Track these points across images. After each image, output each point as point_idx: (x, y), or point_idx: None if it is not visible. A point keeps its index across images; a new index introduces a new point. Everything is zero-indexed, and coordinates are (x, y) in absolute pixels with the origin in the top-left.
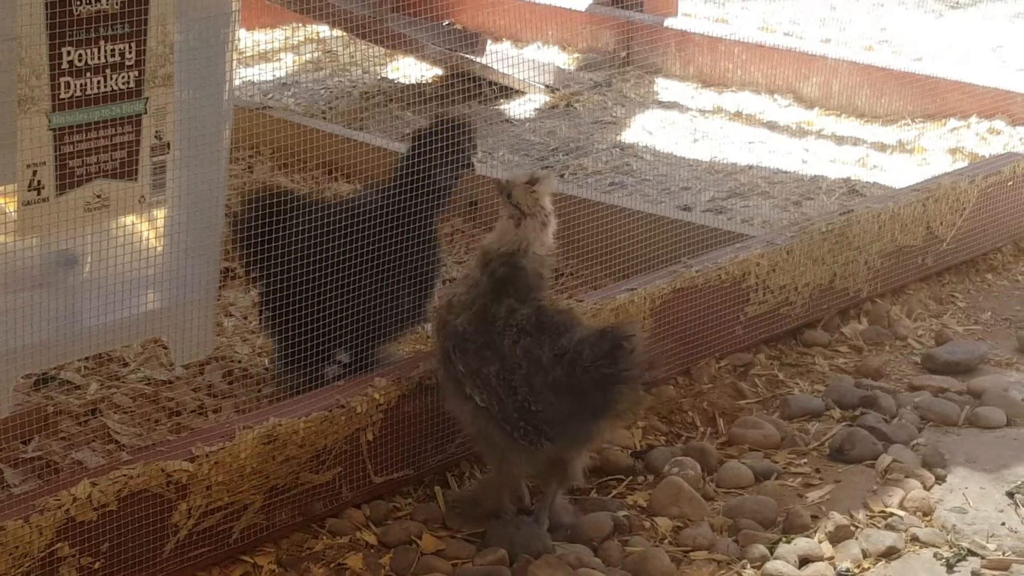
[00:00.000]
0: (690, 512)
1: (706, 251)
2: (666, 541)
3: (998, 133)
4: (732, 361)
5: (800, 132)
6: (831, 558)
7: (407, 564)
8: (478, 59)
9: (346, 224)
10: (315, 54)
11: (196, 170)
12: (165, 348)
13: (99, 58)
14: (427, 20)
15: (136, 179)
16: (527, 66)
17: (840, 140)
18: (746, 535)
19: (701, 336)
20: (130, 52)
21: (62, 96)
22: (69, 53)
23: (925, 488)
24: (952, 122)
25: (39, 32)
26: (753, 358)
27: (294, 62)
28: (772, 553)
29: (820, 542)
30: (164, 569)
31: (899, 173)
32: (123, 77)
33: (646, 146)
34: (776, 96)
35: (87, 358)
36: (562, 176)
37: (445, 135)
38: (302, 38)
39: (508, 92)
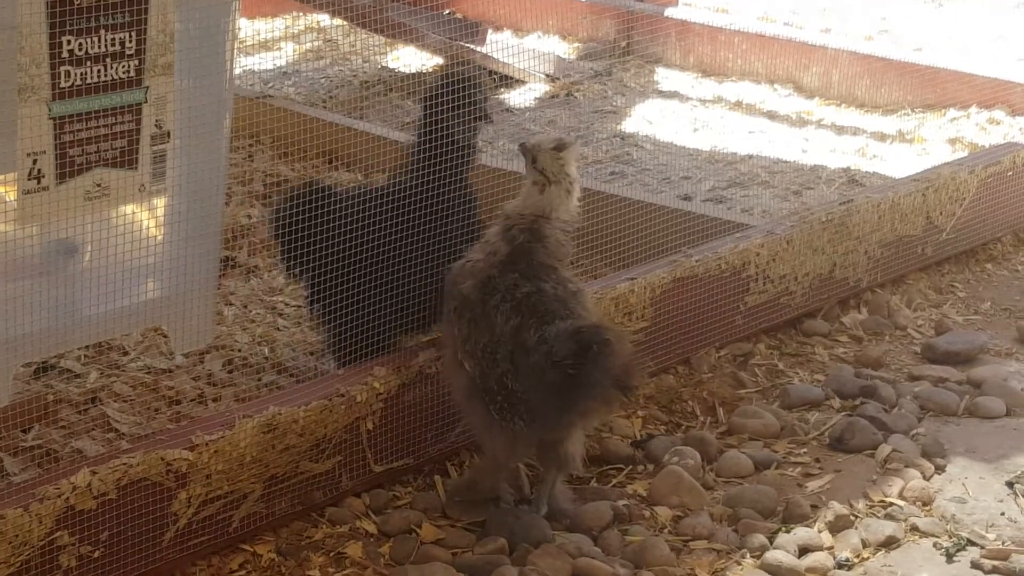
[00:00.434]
0: (690, 501)
1: (706, 241)
2: (666, 530)
3: (998, 123)
4: (732, 350)
5: (800, 122)
6: (831, 548)
7: (407, 553)
8: (479, 48)
9: (388, 209)
10: (316, 43)
11: (196, 159)
12: (165, 337)
13: (99, 47)
14: (428, 9)
15: (136, 168)
16: (528, 55)
17: (840, 130)
18: (746, 525)
19: (701, 325)
20: (130, 41)
21: (62, 85)
22: (69, 42)
23: (925, 478)
24: (952, 112)
25: (39, 21)
26: (753, 348)
27: (295, 51)
28: (772, 543)
29: (820, 532)
30: (164, 558)
31: (899, 163)
32: (123, 66)
33: (646, 136)
34: (776, 86)
35: (87, 347)
36: None
37: (454, 91)
38: (303, 27)
39: (509, 81)
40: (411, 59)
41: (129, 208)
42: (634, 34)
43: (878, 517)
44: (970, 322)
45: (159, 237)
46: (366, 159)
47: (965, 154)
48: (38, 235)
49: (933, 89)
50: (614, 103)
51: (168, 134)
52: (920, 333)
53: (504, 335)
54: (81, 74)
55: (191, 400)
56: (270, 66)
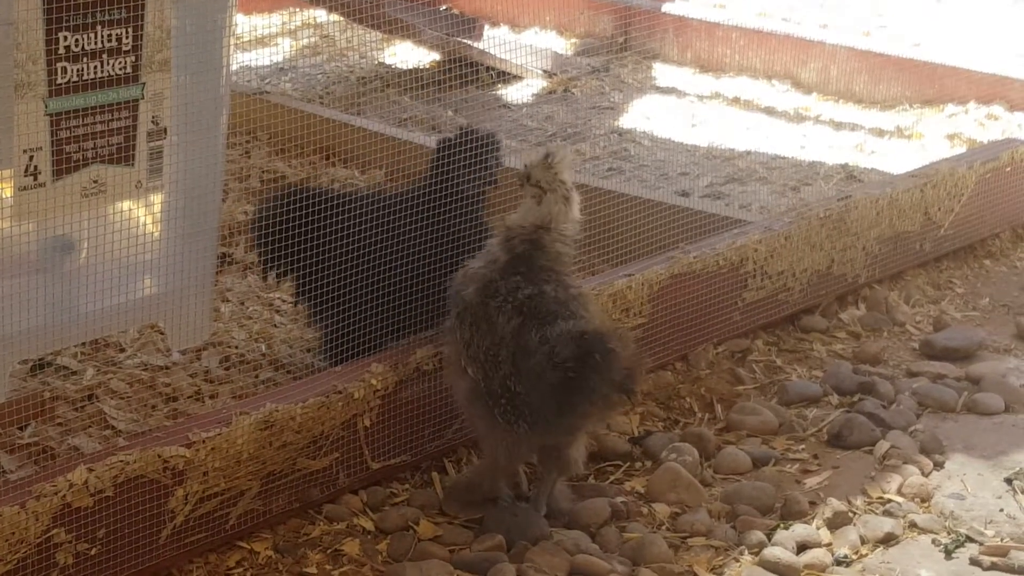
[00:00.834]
0: (688, 498)
1: (704, 237)
2: (664, 527)
3: (996, 119)
4: (730, 347)
5: (798, 118)
6: (829, 544)
7: (404, 550)
8: (476, 44)
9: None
10: (312, 39)
11: (193, 155)
12: (162, 334)
13: (96, 43)
14: (424, 5)
15: (133, 164)
16: (525, 51)
17: (838, 126)
18: (744, 521)
19: (699, 322)
20: (127, 37)
21: (59, 81)
22: (66, 38)
23: (923, 474)
24: (950, 108)
25: (36, 17)
26: (751, 344)
27: (291, 47)
28: (770, 539)
29: (818, 528)
30: (161, 555)
31: (897, 159)
32: (120, 62)
33: (644, 131)
34: (774, 81)
35: (84, 344)
36: None
37: (469, 149)
38: (299, 23)
39: (506, 77)
40: (408, 55)
41: (126, 204)
42: (632, 30)
43: (876, 514)
44: (968, 318)
45: (156, 234)
46: (363, 155)
47: (963, 150)
48: (35, 232)
49: (931, 85)
50: (611, 99)
51: (165, 130)
52: (918, 329)
53: (506, 336)
54: (78, 70)
55: (188, 397)
56: (267, 62)
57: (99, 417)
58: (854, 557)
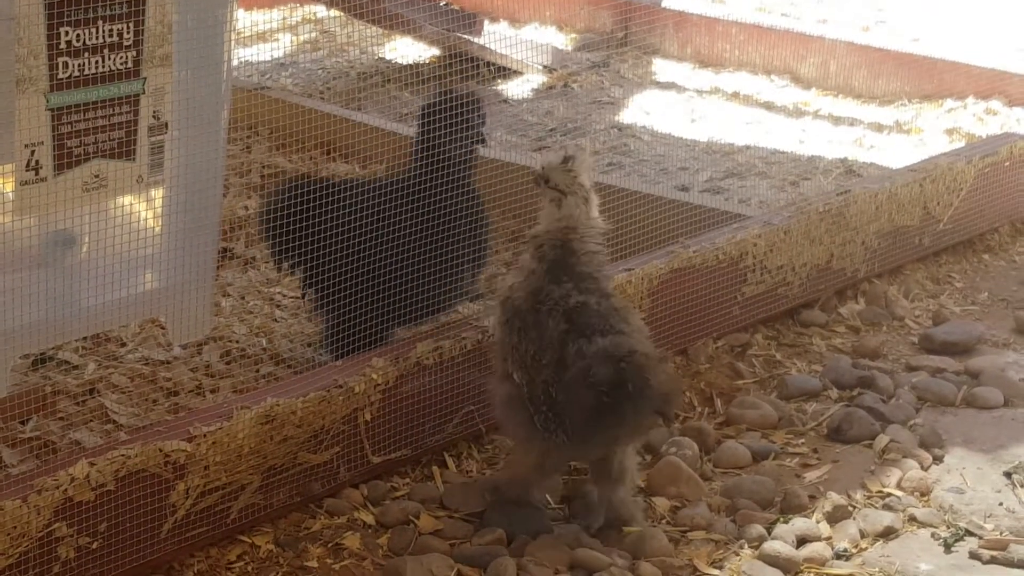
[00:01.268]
0: (688, 492)
1: (703, 231)
2: (664, 521)
3: (995, 113)
4: (729, 341)
5: (797, 112)
6: (829, 538)
7: (405, 544)
8: (475, 39)
9: (387, 206)
10: (313, 34)
11: (194, 150)
12: (163, 328)
13: (97, 38)
14: (424, 1)
15: (134, 159)
16: (524, 46)
17: (837, 120)
18: (744, 515)
19: (698, 316)
20: (128, 32)
21: (60, 76)
22: (67, 33)
23: (923, 468)
24: (949, 103)
25: (37, 12)
26: (750, 338)
27: (292, 42)
28: (770, 533)
29: (818, 522)
30: (162, 549)
31: (896, 153)
32: (121, 57)
33: (644, 126)
34: (773, 76)
35: (85, 338)
36: None
37: (451, 112)
38: (300, 18)
39: (505, 72)
40: (408, 50)
41: (127, 199)
42: (631, 25)
43: (876, 507)
44: (967, 312)
45: (157, 228)
46: (363, 150)
47: (962, 144)
48: (36, 226)
49: (930, 79)
50: (611, 94)
51: (166, 125)
52: (918, 323)
53: (553, 341)
54: (79, 65)
55: (189, 391)
56: (267, 57)
57: (100, 411)
58: (854, 551)
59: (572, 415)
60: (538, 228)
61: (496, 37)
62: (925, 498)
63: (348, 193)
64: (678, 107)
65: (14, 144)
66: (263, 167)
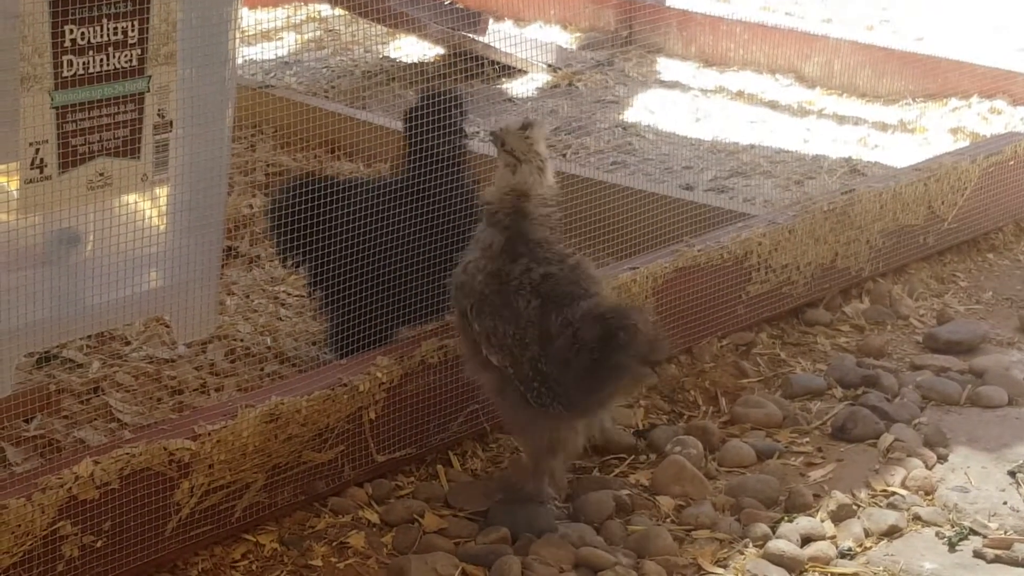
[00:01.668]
0: (692, 491)
1: (708, 230)
2: (668, 520)
3: (999, 113)
4: (734, 340)
5: (802, 112)
6: (833, 537)
7: (409, 543)
8: (480, 38)
9: (382, 205)
10: (317, 33)
11: (199, 148)
12: (167, 326)
13: (102, 36)
14: None
15: (139, 157)
16: (529, 45)
17: (842, 120)
18: (748, 514)
19: (703, 315)
20: (133, 30)
21: (65, 74)
22: (72, 31)
23: (927, 467)
24: (953, 102)
25: (42, 10)
26: (755, 337)
27: (296, 41)
28: (774, 532)
29: (822, 521)
30: (166, 547)
31: (900, 153)
32: (126, 55)
33: (648, 125)
34: (778, 76)
35: (89, 336)
36: (564, 155)
37: (433, 110)
38: (304, 17)
39: (510, 71)
40: (412, 49)
41: (131, 197)
42: (635, 24)
43: (880, 506)
44: (972, 311)
45: (161, 227)
46: (368, 149)
47: (967, 144)
48: (40, 225)
49: (934, 79)
50: (616, 93)
51: (171, 123)
52: (922, 322)
53: (530, 318)
54: (83, 63)
55: (193, 390)
56: (271, 56)
57: (105, 410)
58: (858, 550)
59: (566, 383)
60: (490, 191)
61: (500, 36)
62: (929, 497)
63: (349, 192)
64: (682, 106)
65: (19, 142)
66: (267, 165)
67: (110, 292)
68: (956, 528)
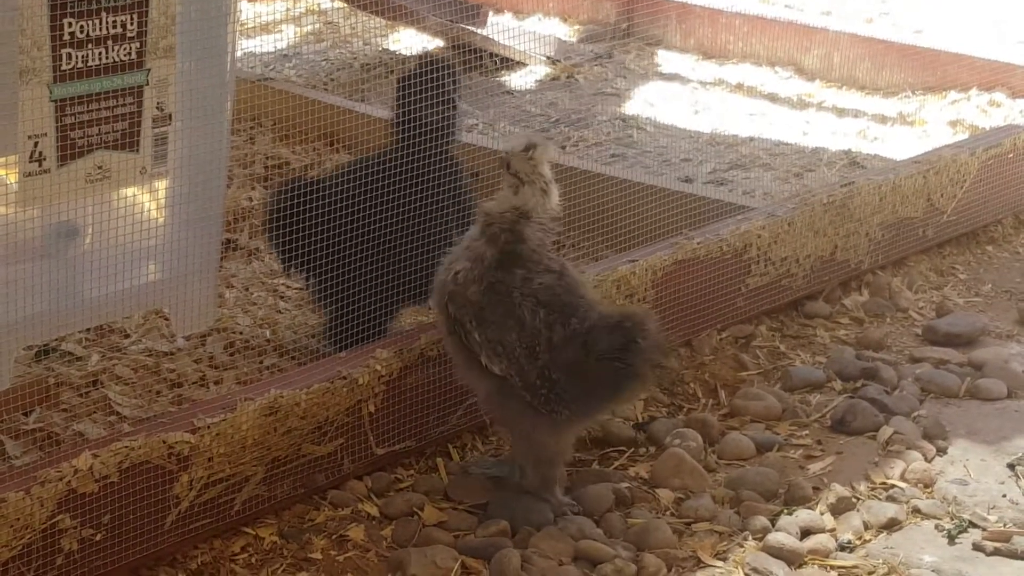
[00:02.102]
0: (692, 484)
1: (707, 223)
2: (668, 513)
3: (998, 105)
4: (733, 333)
5: (801, 104)
6: (832, 530)
7: (409, 536)
8: (479, 31)
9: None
10: (316, 26)
11: (198, 141)
12: (166, 319)
13: (101, 30)
14: None
15: (138, 150)
16: (528, 38)
17: (841, 112)
18: (748, 507)
19: (703, 308)
20: (132, 24)
21: (63, 68)
22: (71, 24)
23: (926, 460)
24: (952, 94)
25: (41, 3)
26: (754, 330)
27: (295, 34)
28: (774, 525)
29: (822, 514)
30: (165, 540)
31: (900, 145)
32: (125, 49)
33: (647, 118)
34: (777, 68)
35: (88, 330)
36: (563, 148)
37: (425, 78)
38: (303, 10)
39: (509, 64)
40: (411, 41)
41: (130, 191)
42: (635, 16)
43: (880, 499)
44: (971, 304)
45: (160, 220)
46: (367, 141)
47: (966, 136)
48: (39, 218)
49: (934, 71)
50: (615, 85)
51: (169, 116)
52: (921, 315)
53: (537, 328)
54: (82, 56)
55: (192, 383)
56: (271, 48)
57: (104, 403)
58: (857, 542)
59: (576, 391)
60: (491, 205)
61: (500, 28)
62: (929, 490)
63: (337, 184)
64: (682, 98)
65: (17, 135)
66: (267, 158)
67: (109, 285)
68: (955, 521)
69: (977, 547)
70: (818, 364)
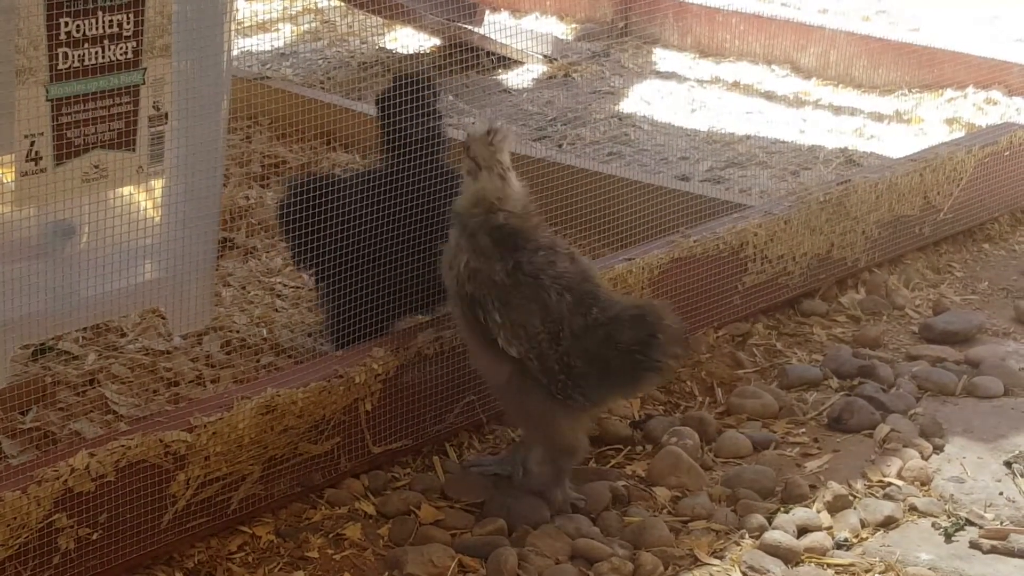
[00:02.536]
0: (689, 482)
1: (704, 221)
2: (665, 511)
3: (995, 103)
4: (730, 331)
5: (798, 102)
6: (829, 528)
7: (406, 534)
8: (476, 29)
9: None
10: (313, 24)
11: (194, 140)
12: (163, 318)
13: (97, 29)
14: None
15: (134, 149)
16: (525, 36)
17: (837, 110)
18: (744, 505)
19: (699, 306)
20: (128, 23)
21: (60, 67)
22: (67, 24)
23: (923, 458)
24: (949, 92)
25: (37, 3)
26: (751, 328)
27: (292, 32)
28: (771, 523)
29: (818, 512)
30: (162, 539)
31: (896, 143)
32: (121, 48)
33: (644, 116)
34: (774, 66)
35: (85, 328)
36: (560, 146)
37: (404, 94)
38: (300, 8)
39: (506, 62)
40: (409, 40)
41: (127, 190)
42: (632, 15)
43: (877, 497)
44: (968, 302)
45: (157, 219)
46: (364, 140)
47: (962, 134)
48: (36, 217)
49: (930, 69)
50: (612, 84)
51: (166, 116)
52: (918, 313)
53: (562, 313)
54: (79, 56)
55: (189, 382)
56: (268, 47)
57: (100, 402)
58: (854, 540)
59: (594, 379)
60: (458, 204)
61: (497, 27)
62: (926, 488)
63: (354, 186)
64: (678, 97)
65: (14, 135)
66: (264, 157)
67: (106, 284)
68: (952, 519)
69: (974, 545)
70: (815, 362)
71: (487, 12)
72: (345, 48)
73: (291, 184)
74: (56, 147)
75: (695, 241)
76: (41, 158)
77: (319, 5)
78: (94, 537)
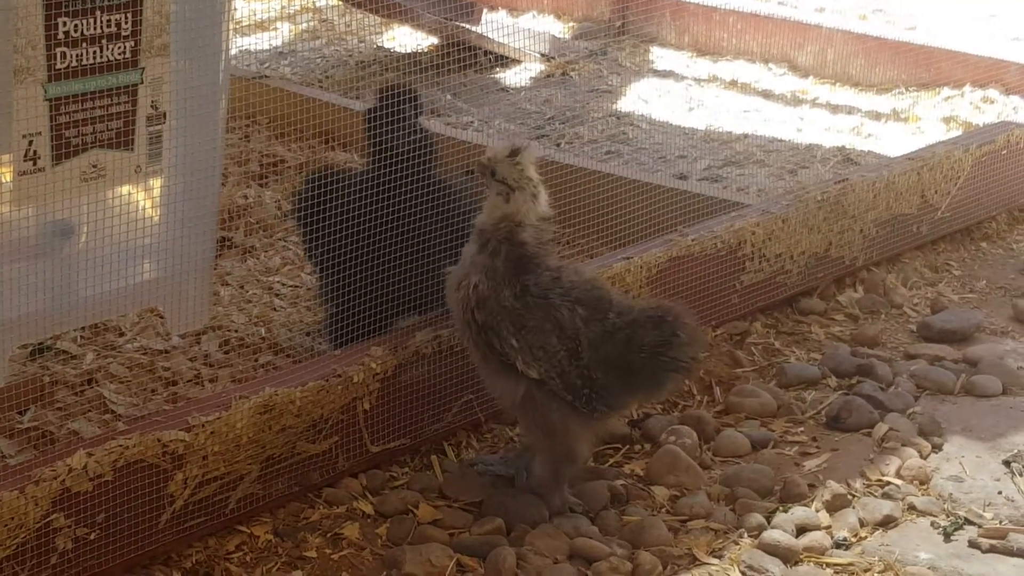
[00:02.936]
0: (687, 481)
1: (702, 220)
2: (663, 510)
3: (992, 102)
4: (728, 329)
5: (795, 101)
6: (828, 527)
7: (404, 534)
8: (474, 28)
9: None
10: (311, 23)
11: (192, 140)
12: (161, 318)
13: (95, 28)
14: None
15: (132, 149)
16: (523, 35)
17: (835, 109)
18: (743, 504)
19: (697, 305)
20: (126, 22)
21: (58, 66)
22: (65, 24)
23: (922, 457)
24: (946, 91)
25: (35, 3)
26: (749, 326)
27: (290, 31)
28: (769, 522)
29: (817, 511)
30: (160, 539)
31: (894, 142)
32: (119, 47)
33: (642, 115)
34: (771, 65)
35: (83, 328)
36: (558, 145)
37: (387, 106)
38: (298, 7)
39: (504, 61)
40: (406, 39)
41: (125, 189)
42: (629, 13)
43: (875, 496)
44: (965, 300)
45: (155, 218)
46: (362, 139)
47: (959, 133)
48: (34, 216)
49: (927, 68)
50: (609, 82)
51: (164, 115)
52: (916, 311)
53: (578, 328)
54: (77, 55)
55: (187, 381)
56: (266, 46)
57: (99, 401)
58: (853, 540)
59: (616, 387)
60: (481, 219)
61: (494, 25)
62: (924, 487)
63: (350, 183)
64: (676, 95)
65: (12, 134)
66: (262, 156)
67: (104, 283)
68: (951, 518)
69: (973, 544)
70: (813, 361)
71: (485, 11)
72: (343, 47)
73: (310, 177)
74: (54, 147)
75: (693, 240)
76: (39, 158)
77: (317, 4)
78: (92, 537)
